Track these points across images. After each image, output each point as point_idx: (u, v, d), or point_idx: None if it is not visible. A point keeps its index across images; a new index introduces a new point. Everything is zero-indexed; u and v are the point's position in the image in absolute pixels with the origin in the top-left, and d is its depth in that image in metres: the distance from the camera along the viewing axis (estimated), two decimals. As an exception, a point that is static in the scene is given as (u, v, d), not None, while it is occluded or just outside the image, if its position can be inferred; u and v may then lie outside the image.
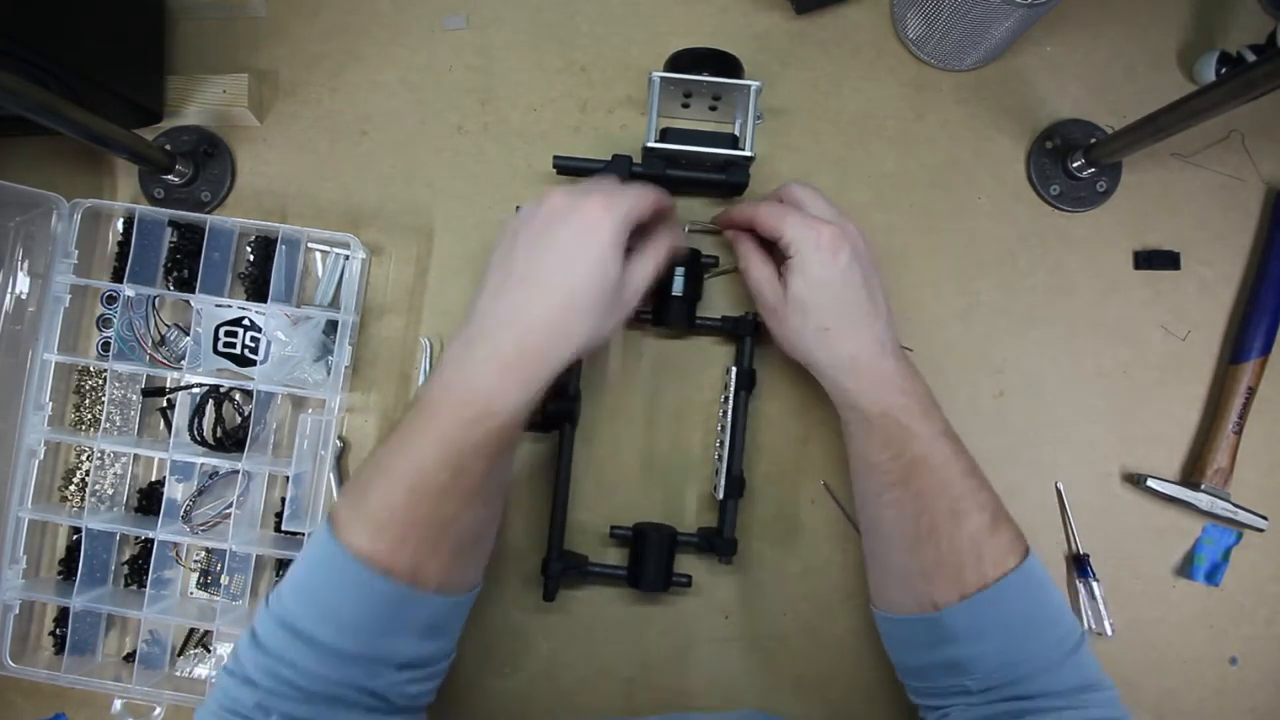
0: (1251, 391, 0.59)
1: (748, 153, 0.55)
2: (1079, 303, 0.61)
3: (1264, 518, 0.59)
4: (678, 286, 0.57)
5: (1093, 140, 0.60)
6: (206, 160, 0.62)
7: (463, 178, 0.62)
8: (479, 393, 0.44)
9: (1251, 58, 0.60)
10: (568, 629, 0.60)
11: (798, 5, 0.62)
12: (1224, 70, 0.60)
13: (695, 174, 0.58)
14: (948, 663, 0.46)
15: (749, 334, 0.57)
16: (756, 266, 0.53)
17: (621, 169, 0.56)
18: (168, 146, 0.60)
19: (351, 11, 0.64)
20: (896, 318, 0.61)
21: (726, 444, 0.56)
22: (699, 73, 0.56)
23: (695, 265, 0.57)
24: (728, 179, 0.58)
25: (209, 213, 0.62)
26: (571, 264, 0.45)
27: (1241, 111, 0.50)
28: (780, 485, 0.60)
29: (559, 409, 0.56)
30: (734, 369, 0.57)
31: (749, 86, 0.55)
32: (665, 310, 0.58)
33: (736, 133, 0.58)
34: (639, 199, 0.48)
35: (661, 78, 0.55)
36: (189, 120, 0.62)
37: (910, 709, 0.59)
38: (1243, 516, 0.59)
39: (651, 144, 0.56)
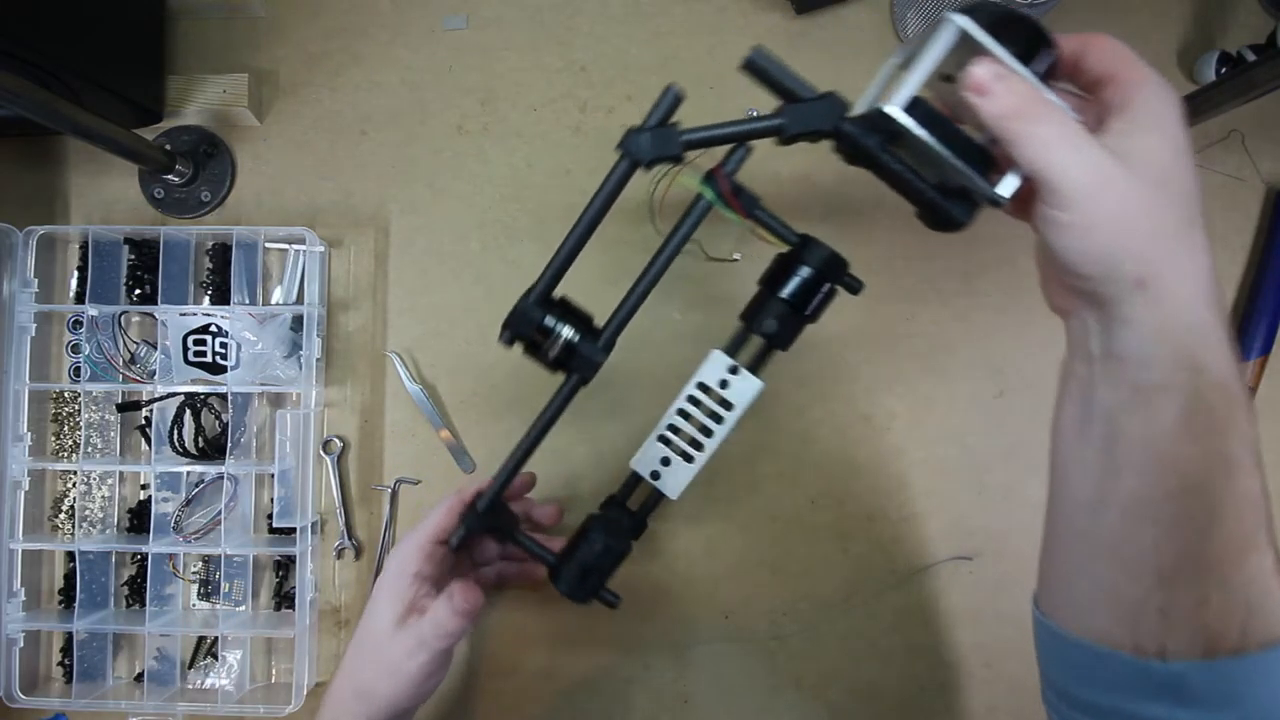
0: (1251, 392, 0.59)
1: (1004, 193, 0.37)
2: (1079, 303, 0.61)
3: (1264, 518, 0.59)
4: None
5: (1093, 140, 0.60)
6: (206, 160, 0.62)
7: (463, 178, 0.62)
8: None
9: (1251, 58, 0.60)
10: (568, 629, 0.60)
11: (798, 5, 0.62)
12: (1224, 70, 0.60)
13: (908, 177, 0.40)
14: None
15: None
16: (1064, 121, 0.34)
17: (836, 107, 0.40)
18: (168, 146, 0.60)
19: (351, 11, 0.64)
20: (898, 319, 0.61)
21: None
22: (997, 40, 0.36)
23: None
24: (940, 207, 0.40)
25: (208, 212, 0.62)
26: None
27: (1241, 111, 0.50)
28: (781, 485, 0.60)
29: (579, 351, 0.44)
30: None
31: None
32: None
33: (985, 144, 0.38)
34: (430, 523, 0.48)
35: (966, 27, 0.35)
36: (189, 120, 0.62)
37: (909, 711, 0.59)
38: (1243, 516, 0.58)
39: (895, 110, 0.36)
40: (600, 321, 0.45)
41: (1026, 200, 0.37)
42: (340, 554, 0.61)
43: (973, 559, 0.60)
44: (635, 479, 0.49)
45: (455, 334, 0.61)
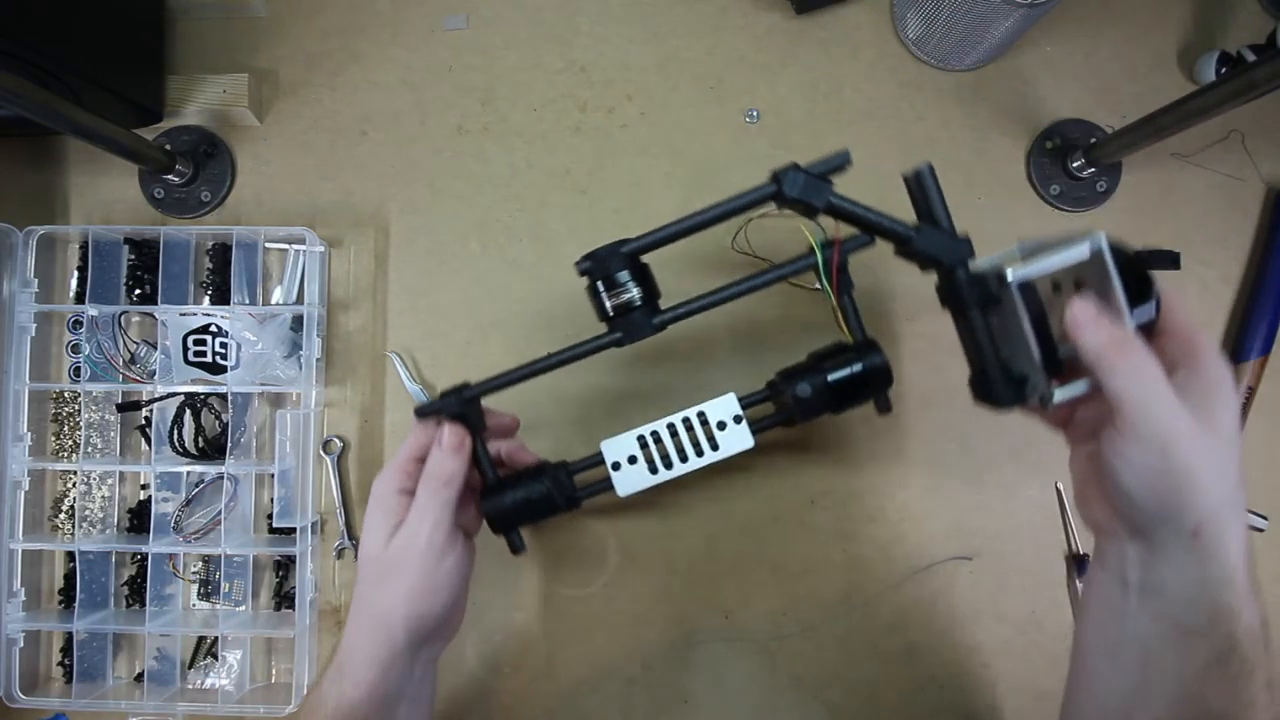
0: (1251, 391, 0.59)
1: (1057, 398, 0.39)
2: (1079, 303, 0.61)
3: (1264, 517, 0.59)
4: None
5: (1093, 140, 0.60)
6: (206, 160, 0.62)
7: (463, 178, 0.62)
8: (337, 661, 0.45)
9: (1251, 58, 0.60)
10: (568, 629, 0.60)
11: (798, 5, 0.62)
12: (1224, 70, 0.60)
13: (983, 342, 0.42)
14: None
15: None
16: (1157, 368, 0.36)
17: (964, 249, 0.42)
18: (168, 146, 0.60)
19: (351, 11, 0.64)
20: (899, 318, 0.62)
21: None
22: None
23: None
24: (995, 382, 0.42)
25: (208, 212, 0.62)
26: None
27: (1241, 111, 0.50)
28: (781, 485, 0.60)
29: (634, 316, 0.45)
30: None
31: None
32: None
33: (1063, 355, 0.40)
34: (407, 445, 0.47)
35: (1105, 254, 0.38)
36: (189, 120, 0.62)
37: (909, 711, 0.59)
38: (1243, 516, 0.59)
39: (1014, 279, 0.39)
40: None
41: (1066, 417, 0.42)
42: (340, 554, 0.61)
43: (973, 559, 0.60)
44: (596, 460, 0.50)
45: (455, 334, 0.61)
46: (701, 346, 0.61)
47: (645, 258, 0.46)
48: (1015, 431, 0.61)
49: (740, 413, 0.48)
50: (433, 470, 0.45)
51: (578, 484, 0.50)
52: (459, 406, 0.46)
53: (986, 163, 0.62)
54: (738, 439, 0.48)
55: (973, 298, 0.42)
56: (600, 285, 0.46)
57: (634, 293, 0.45)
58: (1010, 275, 0.39)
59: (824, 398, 0.47)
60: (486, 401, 0.48)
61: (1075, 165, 0.60)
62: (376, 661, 0.43)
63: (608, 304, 0.46)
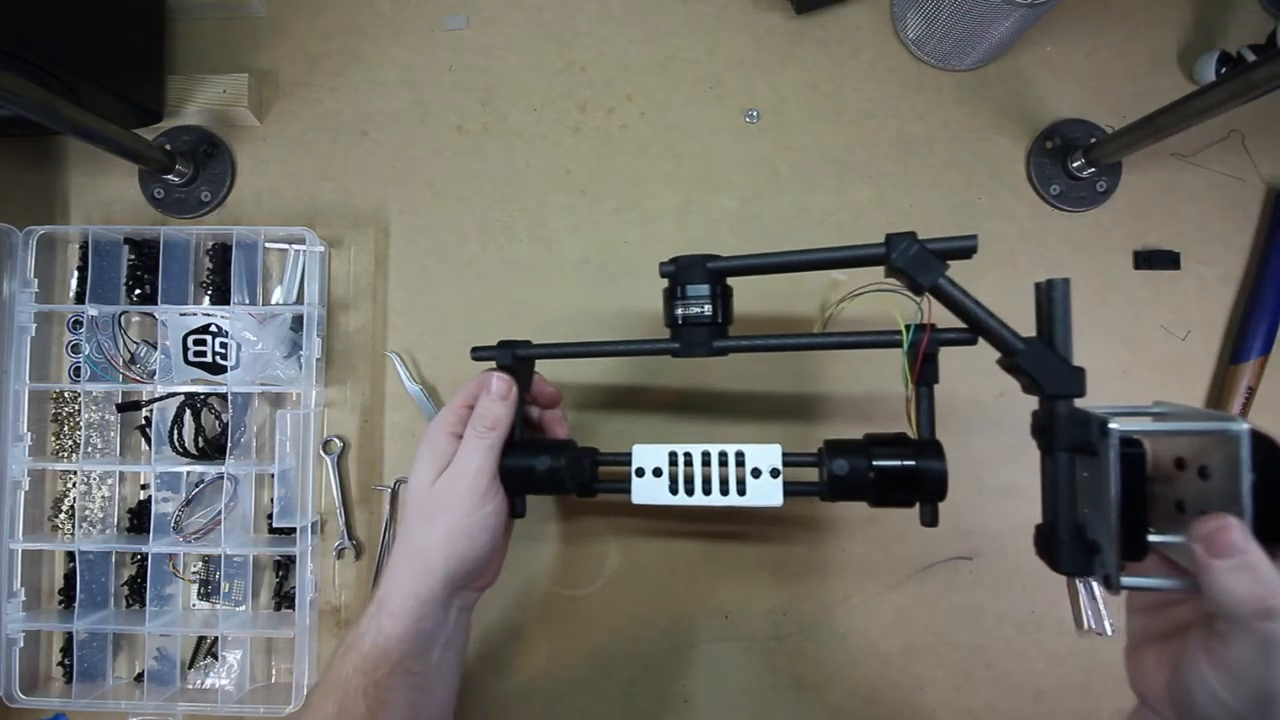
0: (1251, 391, 0.59)
1: (1126, 584, 0.34)
2: (1079, 303, 0.60)
3: (1264, 518, 0.59)
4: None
5: (1093, 140, 0.60)
6: (206, 160, 0.62)
7: (463, 178, 0.62)
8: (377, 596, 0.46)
9: (1251, 58, 0.60)
10: (568, 629, 0.60)
11: (798, 5, 0.62)
12: (1224, 70, 0.60)
13: (1063, 490, 0.37)
14: None
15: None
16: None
17: (1075, 383, 0.38)
18: (168, 146, 0.60)
19: (351, 11, 0.64)
20: (899, 318, 0.61)
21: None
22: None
23: None
24: (1061, 543, 0.37)
25: (208, 212, 0.62)
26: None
27: (1241, 111, 0.50)
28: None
29: (698, 331, 0.45)
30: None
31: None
32: None
33: (1154, 542, 0.35)
34: (464, 392, 0.48)
35: (1242, 440, 0.31)
36: (189, 120, 0.62)
37: (909, 711, 0.59)
38: (1243, 516, 0.58)
39: (1116, 432, 0.34)
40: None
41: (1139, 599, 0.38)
42: (340, 554, 0.61)
43: (973, 559, 0.60)
44: (624, 459, 0.49)
45: (455, 334, 0.61)
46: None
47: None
48: (1016, 431, 0.60)
49: (779, 467, 0.45)
50: (479, 414, 0.46)
51: (601, 476, 0.50)
52: (510, 360, 0.48)
53: (986, 163, 0.62)
54: (767, 492, 0.45)
55: (1065, 439, 0.37)
56: (676, 291, 0.45)
57: (704, 309, 0.44)
58: (1113, 426, 0.33)
59: (862, 484, 0.44)
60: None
61: (1075, 165, 0.60)
62: (415, 596, 0.44)
63: (677, 311, 0.45)
